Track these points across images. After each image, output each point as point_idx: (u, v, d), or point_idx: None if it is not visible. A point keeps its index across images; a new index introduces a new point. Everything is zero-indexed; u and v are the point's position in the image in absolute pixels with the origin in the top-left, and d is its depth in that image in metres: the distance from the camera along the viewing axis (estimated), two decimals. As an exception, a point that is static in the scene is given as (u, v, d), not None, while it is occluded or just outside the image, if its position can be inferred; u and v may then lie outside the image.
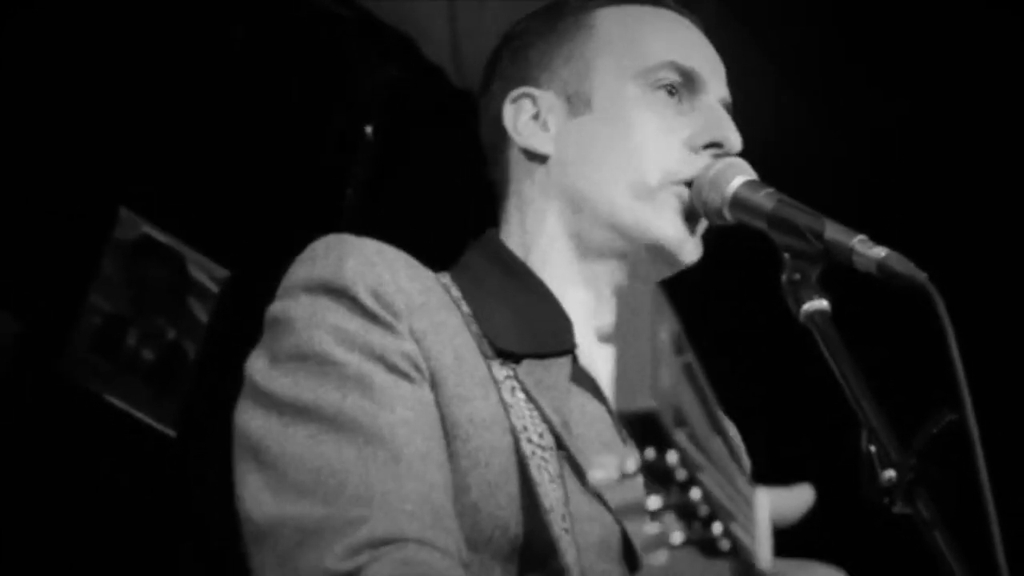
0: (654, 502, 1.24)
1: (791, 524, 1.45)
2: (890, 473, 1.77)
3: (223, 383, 4.37)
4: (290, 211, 4.63)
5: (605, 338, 1.24)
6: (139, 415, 4.44)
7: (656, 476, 1.23)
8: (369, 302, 1.94)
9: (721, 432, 1.35)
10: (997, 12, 4.63)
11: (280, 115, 4.66)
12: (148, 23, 4.37)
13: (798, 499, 1.46)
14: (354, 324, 1.93)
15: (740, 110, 2.26)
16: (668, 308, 1.26)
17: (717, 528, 1.27)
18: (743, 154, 2.18)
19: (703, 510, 1.26)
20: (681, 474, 1.23)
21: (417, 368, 1.93)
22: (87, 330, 4.36)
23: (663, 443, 1.21)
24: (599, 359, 2.14)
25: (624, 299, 1.25)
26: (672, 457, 1.21)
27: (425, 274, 2.04)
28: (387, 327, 1.93)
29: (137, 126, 4.36)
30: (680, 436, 1.22)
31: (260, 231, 4.59)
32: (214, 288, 4.59)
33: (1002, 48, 4.74)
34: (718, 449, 1.32)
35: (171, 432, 4.49)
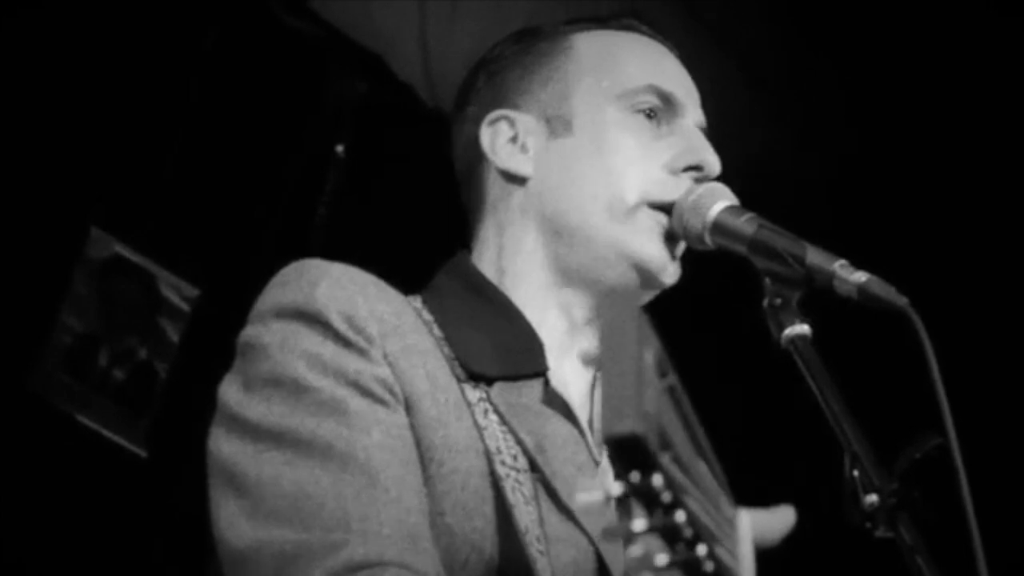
0: (639, 524, 1.24)
1: (772, 546, 1.46)
2: (872, 497, 1.78)
3: (194, 403, 4.38)
4: (261, 230, 4.63)
5: (589, 361, 1.25)
6: (109, 435, 4.42)
7: (641, 498, 1.23)
8: (342, 327, 1.94)
9: (704, 454, 1.36)
10: (971, 26, 4.65)
11: (251, 134, 4.65)
12: (119, 44, 4.36)
13: (779, 521, 1.47)
14: (327, 349, 1.93)
15: (714, 128, 2.27)
16: (651, 331, 1.27)
17: (701, 550, 1.27)
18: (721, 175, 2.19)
19: (687, 532, 1.25)
20: (666, 496, 1.22)
21: (391, 392, 1.93)
22: (58, 349, 4.34)
23: (648, 466, 1.21)
24: (571, 382, 2.14)
25: (608, 321, 1.25)
26: (657, 480, 1.21)
27: (397, 298, 2.04)
28: (360, 352, 1.93)
29: (109, 145, 4.35)
30: (665, 459, 1.22)
31: (231, 250, 4.59)
32: (185, 307, 4.57)
33: (979, 61, 4.77)
34: (702, 471, 1.33)
35: (142, 452, 4.47)
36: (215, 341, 4.33)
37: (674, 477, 1.23)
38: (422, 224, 4.61)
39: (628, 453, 1.20)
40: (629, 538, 1.24)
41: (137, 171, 4.43)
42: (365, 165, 4.86)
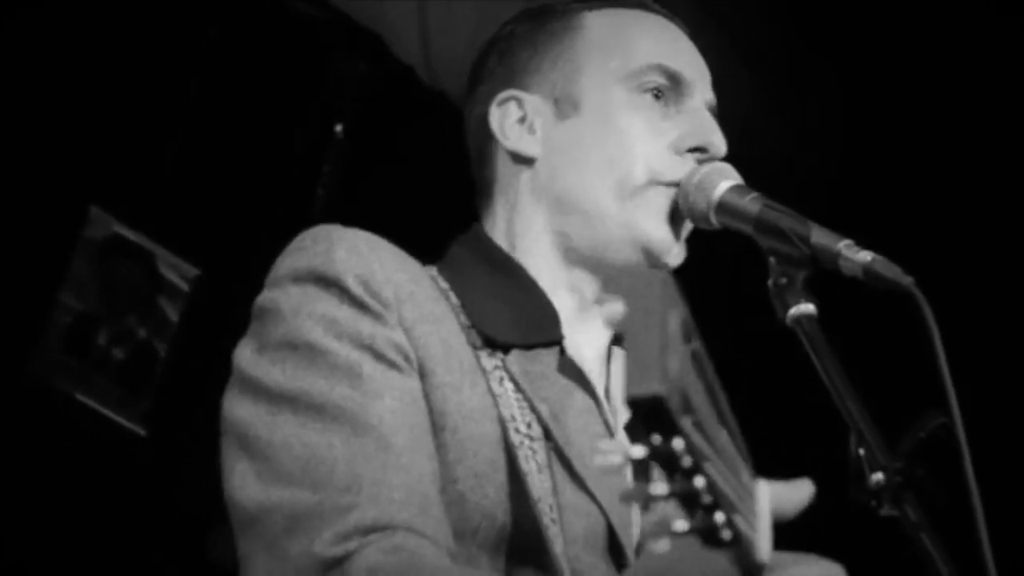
0: (658, 488, 1.24)
1: (790, 518, 1.47)
2: (878, 476, 1.79)
3: (193, 382, 4.38)
4: (261, 210, 4.63)
5: (615, 325, 1.24)
6: (109, 414, 4.43)
7: (661, 462, 1.23)
8: (358, 291, 1.94)
9: (726, 422, 1.36)
10: (968, 16, 4.66)
11: (251, 114, 4.65)
12: (120, 23, 4.36)
13: (798, 493, 1.49)
14: (343, 313, 1.93)
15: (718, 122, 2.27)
16: (678, 295, 1.27)
17: (719, 517, 1.28)
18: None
19: (706, 498, 1.26)
20: (686, 461, 1.23)
21: (406, 358, 1.94)
22: (58, 329, 4.35)
23: (669, 429, 1.21)
24: (586, 351, 2.15)
25: (633, 285, 1.25)
26: (678, 444, 1.21)
27: (413, 265, 2.05)
28: (376, 316, 1.94)
29: (108, 125, 4.35)
30: (686, 423, 1.22)
31: (230, 230, 4.59)
32: (184, 287, 4.58)
33: (974, 50, 4.77)
34: (723, 439, 1.33)
35: (141, 431, 4.48)
36: (214, 320, 4.36)
37: (695, 442, 1.23)
38: (422, 203, 4.61)
39: (650, 416, 1.20)
40: (648, 502, 1.25)
41: (137, 151, 4.43)
42: (365, 145, 4.86)
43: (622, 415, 2.12)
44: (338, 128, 4.79)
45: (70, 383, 4.36)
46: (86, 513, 4.27)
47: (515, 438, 1.96)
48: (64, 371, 4.35)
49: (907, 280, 1.91)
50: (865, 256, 1.95)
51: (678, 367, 1.22)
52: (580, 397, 2.08)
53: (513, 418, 1.98)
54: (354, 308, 1.93)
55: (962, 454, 1.79)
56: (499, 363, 2.04)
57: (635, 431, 1.23)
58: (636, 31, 2.27)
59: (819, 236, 1.99)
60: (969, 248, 5.04)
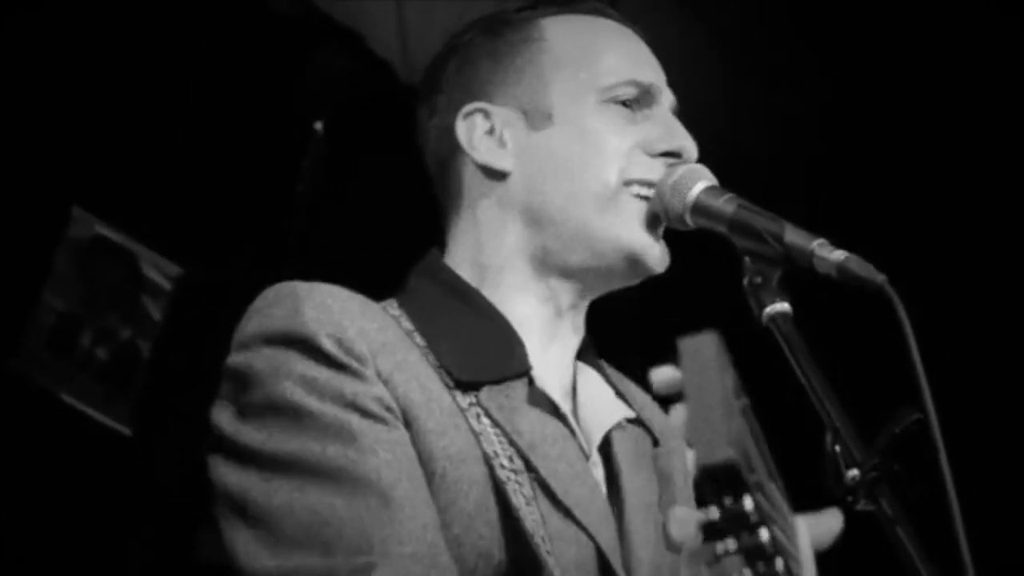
0: (728, 545, 1.28)
1: (825, 549, 1.51)
2: (853, 472, 1.81)
3: (177, 381, 4.39)
4: (241, 207, 4.64)
5: (669, 389, 1.29)
6: (93, 414, 4.43)
7: (731, 522, 1.27)
8: (333, 350, 1.94)
9: (772, 472, 1.40)
10: (959, 16, 4.67)
11: (230, 112, 4.66)
12: (97, 23, 4.36)
13: (829, 524, 1.54)
14: (322, 373, 1.93)
15: (686, 94, 2.29)
16: (726, 355, 1.31)
17: (779, 564, 1.31)
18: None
19: (769, 549, 1.29)
20: (754, 517, 1.27)
21: (389, 410, 1.94)
22: (41, 329, 4.35)
23: (739, 490, 1.25)
24: (554, 371, 2.16)
25: (690, 350, 1.29)
26: (748, 503, 1.26)
27: (378, 312, 2.05)
28: (355, 374, 1.94)
29: (89, 125, 4.35)
30: (751, 481, 1.27)
31: (212, 228, 4.60)
32: (167, 286, 4.58)
33: (960, 39, 4.79)
34: (774, 489, 1.38)
35: (125, 430, 4.49)
36: (198, 319, 4.37)
37: (759, 499, 1.28)
38: (401, 200, 4.62)
39: (720, 479, 1.25)
40: (715, 560, 1.29)
41: (119, 151, 4.43)
42: (344, 142, 4.86)
43: (596, 438, 2.14)
44: (318, 125, 4.79)
45: (54, 382, 4.38)
46: (71, 512, 4.28)
47: (501, 474, 1.97)
48: (48, 371, 4.36)
49: (880, 278, 1.93)
50: (839, 255, 1.96)
51: (737, 428, 1.27)
52: (552, 424, 2.08)
53: (496, 454, 1.99)
54: (332, 368, 1.93)
55: (937, 449, 1.81)
56: (474, 400, 2.04)
57: (707, 490, 1.26)
58: (601, 43, 2.27)
59: (793, 235, 2.00)
60: (946, 243, 5.05)
